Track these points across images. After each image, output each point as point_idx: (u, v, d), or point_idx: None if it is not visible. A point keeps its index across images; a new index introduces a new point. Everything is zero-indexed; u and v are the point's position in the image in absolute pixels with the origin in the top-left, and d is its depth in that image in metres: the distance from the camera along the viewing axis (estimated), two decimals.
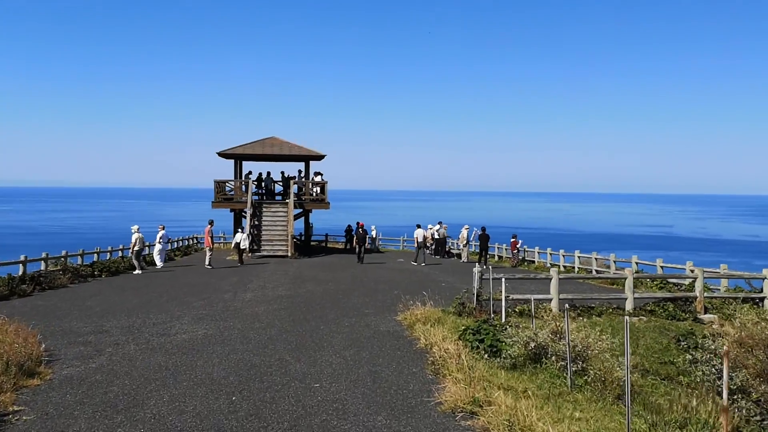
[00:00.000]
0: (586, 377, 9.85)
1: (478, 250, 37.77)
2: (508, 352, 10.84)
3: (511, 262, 33.64)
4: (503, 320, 13.43)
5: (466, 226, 36.54)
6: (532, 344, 10.74)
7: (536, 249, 33.26)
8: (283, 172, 41.27)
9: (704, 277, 16.53)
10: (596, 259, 26.99)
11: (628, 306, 16.12)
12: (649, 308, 16.17)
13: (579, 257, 28.31)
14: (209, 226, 29.87)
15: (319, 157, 40.73)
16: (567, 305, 11.08)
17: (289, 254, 35.74)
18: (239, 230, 31.74)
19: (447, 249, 40.39)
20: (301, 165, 42.07)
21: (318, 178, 40.47)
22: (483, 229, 33.88)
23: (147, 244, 29.78)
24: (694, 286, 17.02)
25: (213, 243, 30.28)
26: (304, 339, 12.51)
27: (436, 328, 13.14)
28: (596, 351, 10.68)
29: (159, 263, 29.64)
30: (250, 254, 35.53)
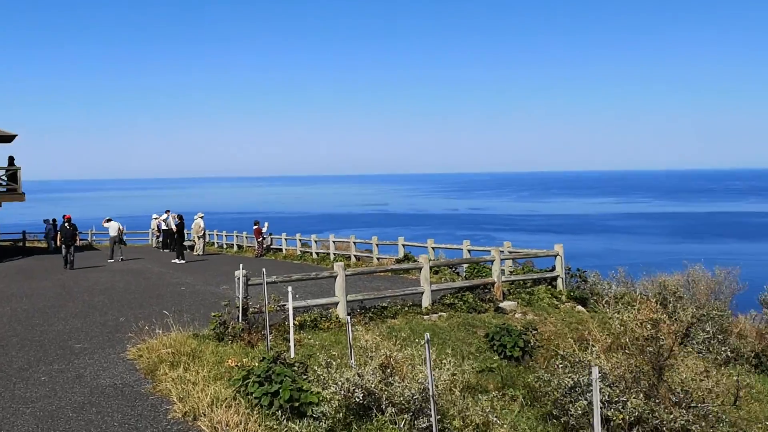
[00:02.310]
0: None
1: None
2: (320, 409, 6.75)
3: (255, 252, 29.36)
4: (292, 345, 9.23)
5: (201, 214, 31.33)
6: (359, 393, 6.76)
7: (283, 235, 29.38)
8: None
9: (501, 259, 14.06)
10: (354, 242, 23.95)
11: (425, 301, 12.99)
12: (448, 301, 13.23)
13: (334, 242, 25.06)
14: None
15: (8, 138, 32.13)
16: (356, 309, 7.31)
17: None
18: None
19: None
20: None
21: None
22: (180, 217, 28.63)
23: None
24: (490, 271, 14.56)
25: None
26: None
27: (193, 369, 8.52)
28: (442, 387, 7.11)
29: None
30: None
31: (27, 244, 39.12)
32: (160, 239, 35.01)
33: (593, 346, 7.87)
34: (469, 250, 18.11)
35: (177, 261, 25.85)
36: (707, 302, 15.91)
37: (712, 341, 7.26)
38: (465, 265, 16.94)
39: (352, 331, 11.61)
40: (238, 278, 11.02)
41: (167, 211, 34.15)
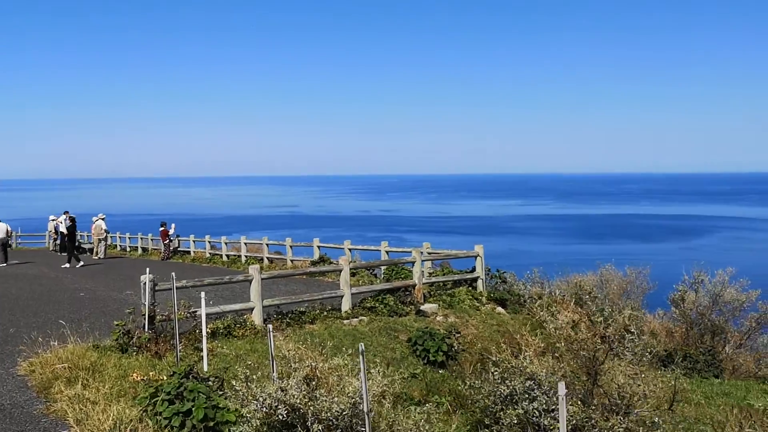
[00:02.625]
0: None
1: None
2: (239, 429, 6.09)
3: (161, 255, 27.88)
4: (205, 356, 8.45)
5: (102, 215, 29.49)
6: (282, 409, 6.13)
7: (191, 237, 28.00)
8: None
9: (422, 260, 13.70)
10: (267, 244, 23.03)
11: (345, 305, 12.42)
12: (368, 304, 12.72)
13: (246, 244, 24.05)
14: None
15: None
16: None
17: None
18: None
19: (78, 244, 32.52)
20: None
21: None
22: (72, 219, 26.03)
23: None
24: (410, 273, 14.17)
25: None
26: None
27: (93, 386, 7.64)
28: (371, 399, 6.59)
29: None
30: None
31: None
32: (58, 242, 32.73)
33: (525, 350, 7.58)
34: (387, 252, 17.71)
35: (67, 265, 24.02)
36: (620, 302, 16.23)
37: (637, 342, 7.09)
38: (383, 267, 16.54)
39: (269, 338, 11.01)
40: (144, 283, 10.09)
41: (66, 213, 31.94)
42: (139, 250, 31.23)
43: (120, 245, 33.97)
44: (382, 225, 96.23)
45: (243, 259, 23.58)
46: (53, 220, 34.10)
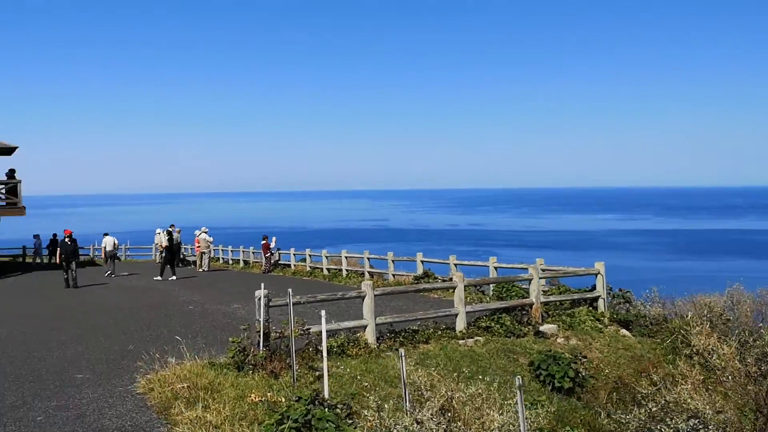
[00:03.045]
0: None
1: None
2: None
3: (262, 268, 28.11)
4: (326, 379, 7.98)
5: (205, 229, 30.13)
6: None
7: (292, 251, 28.10)
8: None
9: (540, 277, 12.84)
10: (368, 258, 22.66)
11: (460, 325, 11.75)
12: (483, 324, 11.99)
13: (347, 257, 23.82)
14: None
15: (8, 150, 31.01)
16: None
17: None
18: None
19: (182, 256, 33.43)
20: None
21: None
22: (169, 232, 26.43)
23: None
24: (523, 291, 13.35)
25: None
26: None
27: (213, 407, 7.31)
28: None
29: None
30: None
31: (27, 260, 37.90)
32: (164, 255, 33.73)
33: (681, 382, 6.66)
34: (496, 268, 16.89)
35: (174, 278, 24.53)
36: (754, 325, 14.70)
37: None
38: (491, 285, 15.75)
39: (383, 357, 10.48)
40: (259, 299, 9.80)
41: (172, 226, 32.91)
42: (241, 263, 31.68)
43: (223, 258, 34.64)
44: (472, 239, 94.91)
45: (344, 273, 23.32)
46: (159, 233, 35.20)
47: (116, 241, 28.49)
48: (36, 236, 36.05)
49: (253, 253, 31.23)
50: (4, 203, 30.21)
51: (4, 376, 9.47)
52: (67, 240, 22.84)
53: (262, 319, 9.67)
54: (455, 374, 9.34)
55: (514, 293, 14.47)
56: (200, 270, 29.02)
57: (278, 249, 28.67)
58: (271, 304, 9.95)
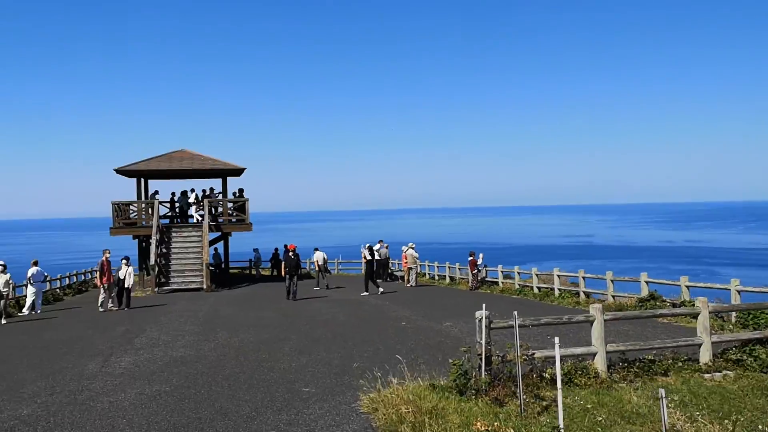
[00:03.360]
0: None
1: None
2: None
3: (469, 285, 27.76)
4: (561, 411, 7.25)
5: (412, 244, 30.53)
6: None
7: (499, 267, 27.44)
8: (204, 190, 34.21)
9: None
10: (583, 277, 21.23)
11: (704, 356, 10.31)
12: (733, 356, 10.42)
13: (559, 276, 22.60)
14: (104, 256, 22.56)
15: (238, 172, 34.01)
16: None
17: (205, 286, 28.82)
18: (123, 262, 22.62)
19: (390, 271, 34.26)
20: (218, 182, 35.19)
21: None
22: (369, 248, 26.83)
23: (13, 284, 22.28)
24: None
25: (112, 278, 22.66)
26: None
27: None
28: None
29: (26, 310, 22.18)
30: (156, 289, 28.44)
31: (252, 272, 41.25)
32: (366, 269, 34.83)
33: None
34: (739, 291, 14.85)
35: (381, 290, 25.09)
36: None
37: None
38: (733, 312, 13.83)
39: (615, 389, 9.46)
40: (480, 320, 9.31)
41: (380, 241, 33.92)
42: (447, 279, 31.63)
43: (428, 273, 34.91)
44: (689, 257, 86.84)
45: (556, 292, 22.14)
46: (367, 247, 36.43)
47: (326, 256, 29.87)
48: (255, 250, 39.08)
49: (459, 269, 31.02)
50: (234, 220, 33.10)
51: (240, 384, 9.94)
52: (291, 254, 24.31)
53: (483, 342, 9.17)
54: (724, 420, 8.09)
55: (763, 321, 12.53)
56: (408, 285, 29.41)
57: (485, 266, 28.15)
58: (492, 325, 9.42)
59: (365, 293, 25.06)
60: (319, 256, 30.20)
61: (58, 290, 28.99)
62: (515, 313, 8.56)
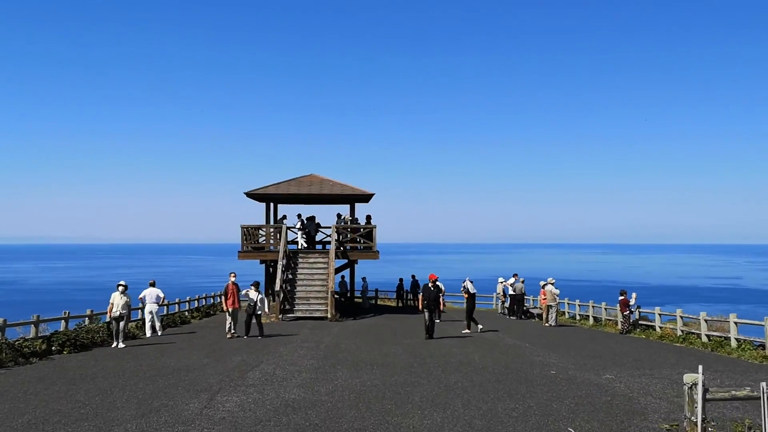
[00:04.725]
0: None
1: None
2: None
3: (619, 328, 24.22)
4: None
5: (551, 280, 27.39)
6: None
7: (657, 310, 23.66)
8: (339, 215, 32.87)
9: None
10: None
11: None
12: None
13: (736, 323, 18.67)
14: (231, 279, 21.40)
15: (367, 197, 32.48)
16: None
17: (329, 315, 27.22)
18: (251, 286, 21.26)
19: (525, 308, 31.15)
20: (345, 208, 33.87)
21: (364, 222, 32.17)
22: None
23: (132, 308, 21.62)
24: None
25: (239, 302, 21.35)
26: None
27: None
28: None
29: (148, 332, 21.41)
30: (281, 316, 27.20)
31: (378, 302, 39.45)
32: (506, 304, 31.89)
33: None
34: None
35: (467, 331, 22.38)
36: None
37: None
38: None
39: None
40: (690, 386, 6.53)
41: (515, 275, 31.00)
42: (591, 320, 28.07)
43: (568, 312, 31.42)
44: None
45: (733, 342, 18.28)
46: (502, 282, 33.54)
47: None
48: (363, 278, 36.65)
49: (605, 309, 27.42)
50: (361, 247, 31.50)
51: None
52: (430, 285, 20.69)
53: (699, 419, 6.38)
54: None
55: None
56: (546, 324, 26.27)
57: (638, 306, 24.47)
58: (709, 395, 6.61)
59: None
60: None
61: (186, 312, 28.54)
62: (763, 384, 5.73)
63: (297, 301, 28.40)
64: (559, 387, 11.97)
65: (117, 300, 18.53)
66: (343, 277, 34.62)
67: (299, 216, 32.56)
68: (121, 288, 18.74)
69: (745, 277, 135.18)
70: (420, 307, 20.72)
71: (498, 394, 11.19)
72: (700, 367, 6.63)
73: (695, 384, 6.45)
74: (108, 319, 19.14)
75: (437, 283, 20.84)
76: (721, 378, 13.25)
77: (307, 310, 28.01)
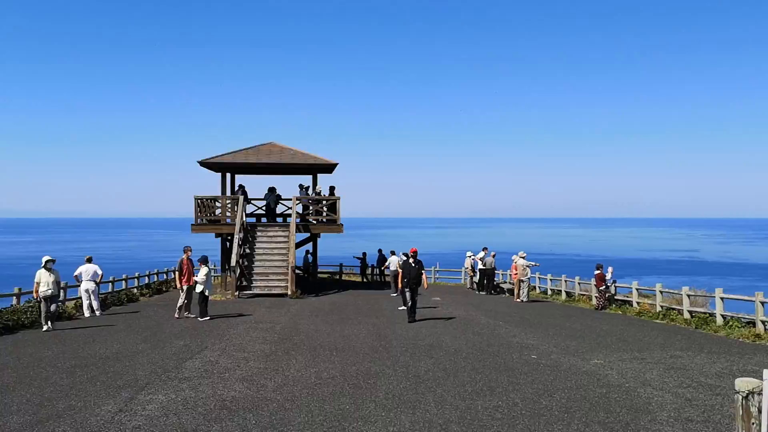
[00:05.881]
0: None
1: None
2: None
3: (594, 304, 22.82)
4: None
5: (522, 253, 25.85)
6: None
7: (635, 284, 22.23)
8: (301, 185, 30.53)
9: None
10: (762, 302, 15.93)
11: None
12: None
13: (722, 298, 17.29)
14: (185, 254, 19.10)
15: (330, 167, 30.39)
16: None
17: (289, 292, 25.28)
18: (200, 262, 18.44)
19: (496, 283, 29.65)
20: (307, 178, 31.73)
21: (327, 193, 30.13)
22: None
23: (64, 285, 19.31)
24: None
25: (191, 280, 18.80)
26: None
27: None
28: None
29: (86, 312, 19.22)
30: (237, 293, 25.15)
31: (343, 278, 37.65)
32: (476, 279, 30.34)
33: None
34: None
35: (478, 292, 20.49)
36: None
37: None
38: None
39: None
40: (744, 397, 4.83)
41: (484, 249, 29.41)
42: (563, 295, 26.66)
43: (539, 287, 30.01)
44: None
45: (718, 319, 16.90)
46: (470, 256, 31.97)
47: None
48: (307, 252, 34.01)
49: (578, 284, 26.02)
50: (324, 220, 29.54)
51: None
52: (411, 262, 17.76)
53: (764, 425, 4.68)
54: None
55: None
56: (518, 300, 24.77)
57: (614, 281, 23.06)
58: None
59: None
60: (393, 261, 26.57)
61: (135, 290, 26.24)
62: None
63: (255, 277, 26.38)
64: (545, 376, 10.30)
65: (44, 278, 16.23)
66: (307, 252, 32.61)
67: (266, 188, 30.36)
68: (48, 264, 16.42)
69: (702, 250, 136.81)
70: (399, 286, 18.43)
71: (476, 386, 9.47)
72: (765, 372, 4.93)
73: (753, 393, 4.77)
74: (35, 299, 16.88)
75: (418, 258, 18.09)
76: (720, 362, 11.77)
77: (265, 286, 26.02)
